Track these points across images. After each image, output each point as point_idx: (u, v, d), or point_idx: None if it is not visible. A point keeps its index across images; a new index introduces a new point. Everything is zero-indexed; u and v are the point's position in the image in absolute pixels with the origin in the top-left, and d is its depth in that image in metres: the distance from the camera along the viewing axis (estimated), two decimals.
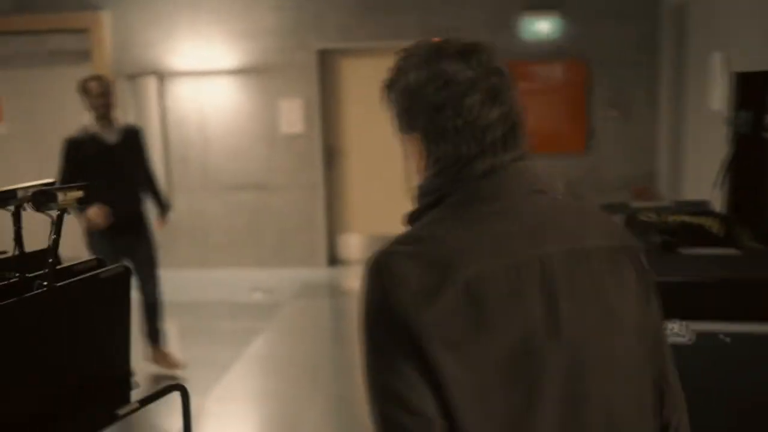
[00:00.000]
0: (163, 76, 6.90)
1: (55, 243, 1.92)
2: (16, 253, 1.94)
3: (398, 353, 0.97)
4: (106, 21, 6.92)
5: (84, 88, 4.22)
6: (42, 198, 1.87)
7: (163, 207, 4.63)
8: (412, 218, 1.11)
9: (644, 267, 1.11)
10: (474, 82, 1.06)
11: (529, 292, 0.99)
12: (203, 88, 6.90)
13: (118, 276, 2.12)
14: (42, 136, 7.63)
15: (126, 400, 2.23)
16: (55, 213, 1.93)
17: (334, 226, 7.20)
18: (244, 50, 6.84)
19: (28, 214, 1.95)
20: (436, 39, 1.12)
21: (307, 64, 6.80)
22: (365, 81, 6.90)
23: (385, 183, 6.90)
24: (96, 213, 4.14)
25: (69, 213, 2.04)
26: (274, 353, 5.06)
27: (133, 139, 4.42)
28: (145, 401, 2.23)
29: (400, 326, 0.96)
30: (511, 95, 1.09)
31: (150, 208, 4.61)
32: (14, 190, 1.89)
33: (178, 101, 6.96)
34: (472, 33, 6.83)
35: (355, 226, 7.27)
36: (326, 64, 7.00)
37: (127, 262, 4.06)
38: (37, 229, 2.21)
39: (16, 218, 1.93)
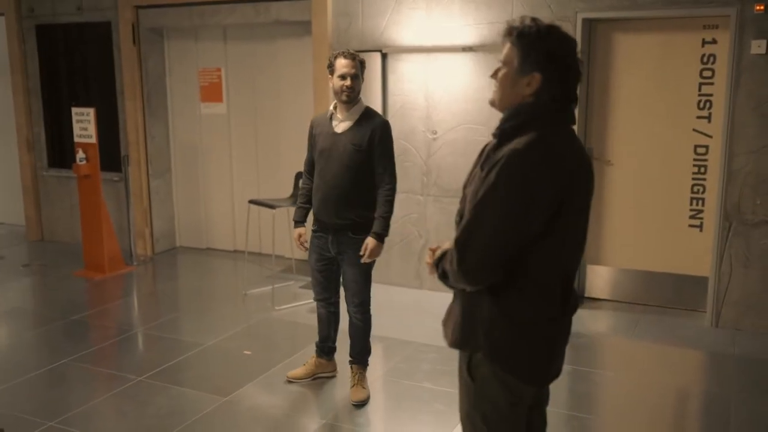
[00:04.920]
0: (387, 52, 5.63)
1: None
2: None
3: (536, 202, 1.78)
4: None
5: (329, 64, 3.61)
6: None
7: (379, 230, 3.58)
8: (503, 136, 1.88)
9: None
10: (578, 55, 1.89)
11: (584, 178, 1.89)
12: (431, 68, 5.52)
13: None
14: (261, 116, 6.86)
15: None
16: None
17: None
18: (487, 22, 5.26)
19: None
20: (548, 21, 1.89)
21: None
22: (643, 62, 5.06)
23: (658, 206, 5.12)
24: (297, 235, 3.84)
25: None
26: None
27: (366, 134, 3.58)
28: None
29: (547, 185, 1.77)
30: None
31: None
32: None
33: (400, 84, 5.66)
34: None
35: (607, 258, 5.39)
36: (595, 39, 5.18)
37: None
38: None
39: None
